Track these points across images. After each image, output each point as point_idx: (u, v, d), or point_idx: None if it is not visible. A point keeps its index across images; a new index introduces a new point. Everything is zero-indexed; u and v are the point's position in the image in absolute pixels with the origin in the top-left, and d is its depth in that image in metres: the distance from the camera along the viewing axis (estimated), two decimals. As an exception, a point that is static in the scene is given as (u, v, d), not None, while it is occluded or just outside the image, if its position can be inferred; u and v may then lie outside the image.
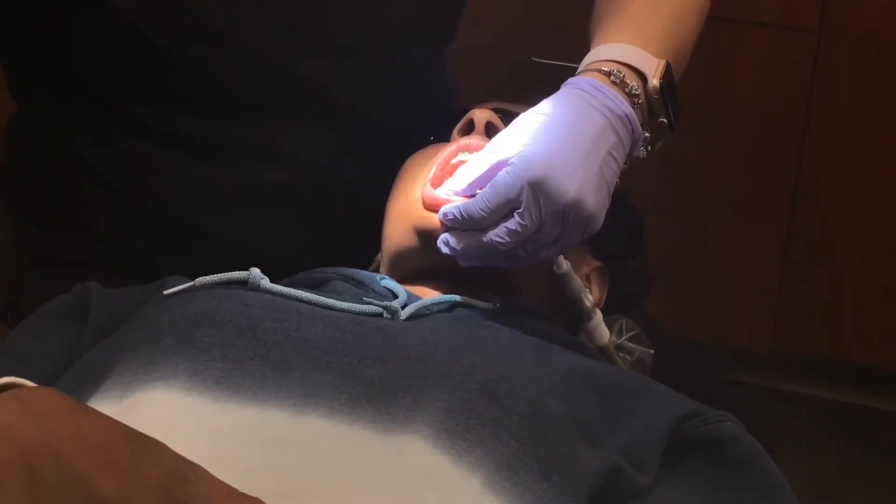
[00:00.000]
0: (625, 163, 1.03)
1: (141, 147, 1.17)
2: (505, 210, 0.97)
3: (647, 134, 1.06)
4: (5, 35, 1.18)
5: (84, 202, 1.20)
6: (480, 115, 1.12)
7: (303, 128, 1.18)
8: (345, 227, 1.21)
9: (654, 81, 1.05)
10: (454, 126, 1.14)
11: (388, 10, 1.19)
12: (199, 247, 1.18)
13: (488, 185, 0.98)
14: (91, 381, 0.89)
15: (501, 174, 0.97)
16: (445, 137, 1.14)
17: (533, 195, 0.95)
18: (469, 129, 1.12)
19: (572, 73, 1.08)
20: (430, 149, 1.13)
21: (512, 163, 0.97)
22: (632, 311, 1.23)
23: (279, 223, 1.20)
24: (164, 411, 0.83)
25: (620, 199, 1.06)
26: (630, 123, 1.02)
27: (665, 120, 1.07)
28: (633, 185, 1.14)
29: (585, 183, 0.96)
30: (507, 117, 1.11)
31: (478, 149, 1.07)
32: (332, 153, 1.19)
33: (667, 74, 1.06)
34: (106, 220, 1.20)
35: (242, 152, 1.17)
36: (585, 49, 1.11)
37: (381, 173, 1.16)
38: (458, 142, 1.10)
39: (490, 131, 1.10)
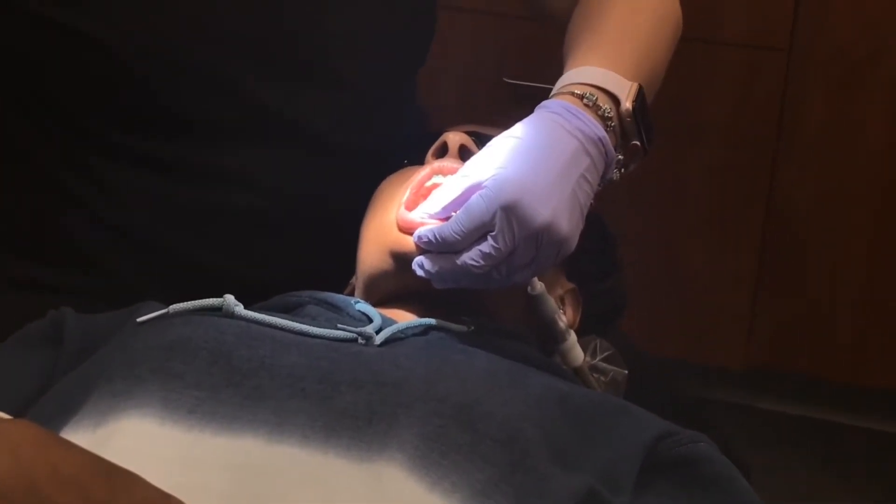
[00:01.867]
0: (598, 185, 1.04)
1: (114, 170, 1.16)
2: (479, 233, 0.97)
3: (620, 156, 1.07)
4: None
5: (58, 225, 1.19)
6: (454, 137, 1.12)
7: (272, 152, 1.18)
8: (317, 249, 1.21)
9: (626, 104, 1.06)
10: (428, 149, 1.15)
11: (356, 36, 1.19)
12: (174, 270, 1.17)
13: (462, 208, 0.99)
14: (65, 410, 0.88)
15: (475, 197, 0.98)
16: (419, 160, 1.14)
17: (506, 218, 0.95)
18: (443, 152, 1.12)
19: (545, 93, 1.08)
20: (404, 172, 1.14)
21: (485, 186, 0.97)
22: (607, 332, 1.23)
23: (251, 246, 1.19)
24: (139, 441, 0.83)
25: (593, 219, 1.07)
26: (603, 146, 1.03)
27: (638, 142, 1.08)
28: (605, 203, 1.14)
29: (558, 206, 0.97)
30: (481, 140, 1.11)
31: (451, 172, 1.08)
32: (302, 177, 1.19)
33: (639, 97, 1.07)
34: (79, 244, 1.19)
35: (212, 176, 1.17)
36: (558, 70, 1.11)
37: (353, 196, 1.16)
38: (432, 165, 1.11)
39: (464, 154, 1.11)
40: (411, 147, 1.17)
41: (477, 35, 2.27)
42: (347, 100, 1.20)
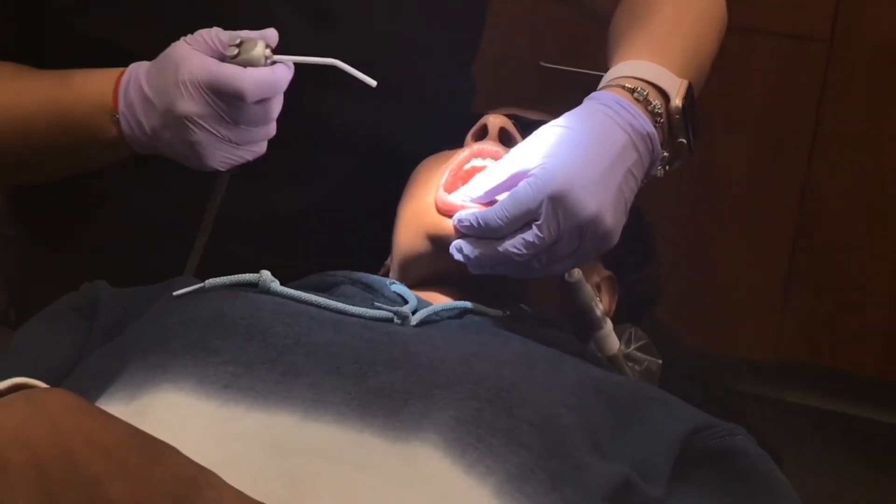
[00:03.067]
0: (642, 181, 1.03)
1: (162, 172, 1.16)
2: (523, 221, 0.96)
3: (665, 153, 1.06)
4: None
5: (97, 221, 1.20)
6: (494, 120, 1.11)
7: (328, 158, 1.18)
8: (363, 248, 1.20)
9: (676, 101, 1.05)
10: (467, 131, 1.14)
11: (420, 45, 1.19)
12: (215, 268, 1.17)
13: (509, 195, 0.98)
14: (99, 382, 0.88)
15: (523, 185, 0.97)
16: (458, 143, 1.13)
17: (553, 209, 0.94)
18: (482, 135, 1.11)
19: (581, 78, 1.08)
20: (442, 154, 1.13)
21: (533, 174, 0.96)
22: (641, 320, 1.22)
23: (299, 247, 1.19)
24: (173, 414, 0.82)
25: (632, 209, 1.06)
26: (651, 142, 1.02)
27: (684, 140, 1.07)
28: (639, 193, 1.14)
29: (605, 200, 0.96)
30: (521, 123, 1.11)
31: (491, 154, 1.07)
32: (354, 180, 1.20)
33: (689, 95, 1.06)
34: (120, 241, 1.19)
35: (265, 179, 1.16)
36: (593, 54, 1.10)
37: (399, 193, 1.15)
38: (472, 147, 1.10)
39: (503, 137, 1.10)
40: (450, 130, 1.17)
41: (513, 19, 2.26)
42: (408, 109, 1.20)
